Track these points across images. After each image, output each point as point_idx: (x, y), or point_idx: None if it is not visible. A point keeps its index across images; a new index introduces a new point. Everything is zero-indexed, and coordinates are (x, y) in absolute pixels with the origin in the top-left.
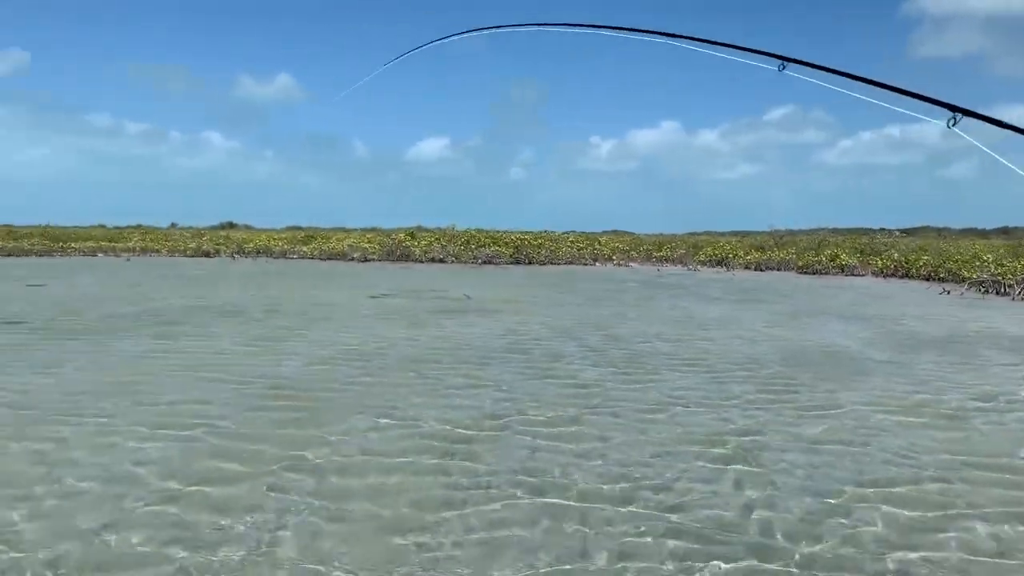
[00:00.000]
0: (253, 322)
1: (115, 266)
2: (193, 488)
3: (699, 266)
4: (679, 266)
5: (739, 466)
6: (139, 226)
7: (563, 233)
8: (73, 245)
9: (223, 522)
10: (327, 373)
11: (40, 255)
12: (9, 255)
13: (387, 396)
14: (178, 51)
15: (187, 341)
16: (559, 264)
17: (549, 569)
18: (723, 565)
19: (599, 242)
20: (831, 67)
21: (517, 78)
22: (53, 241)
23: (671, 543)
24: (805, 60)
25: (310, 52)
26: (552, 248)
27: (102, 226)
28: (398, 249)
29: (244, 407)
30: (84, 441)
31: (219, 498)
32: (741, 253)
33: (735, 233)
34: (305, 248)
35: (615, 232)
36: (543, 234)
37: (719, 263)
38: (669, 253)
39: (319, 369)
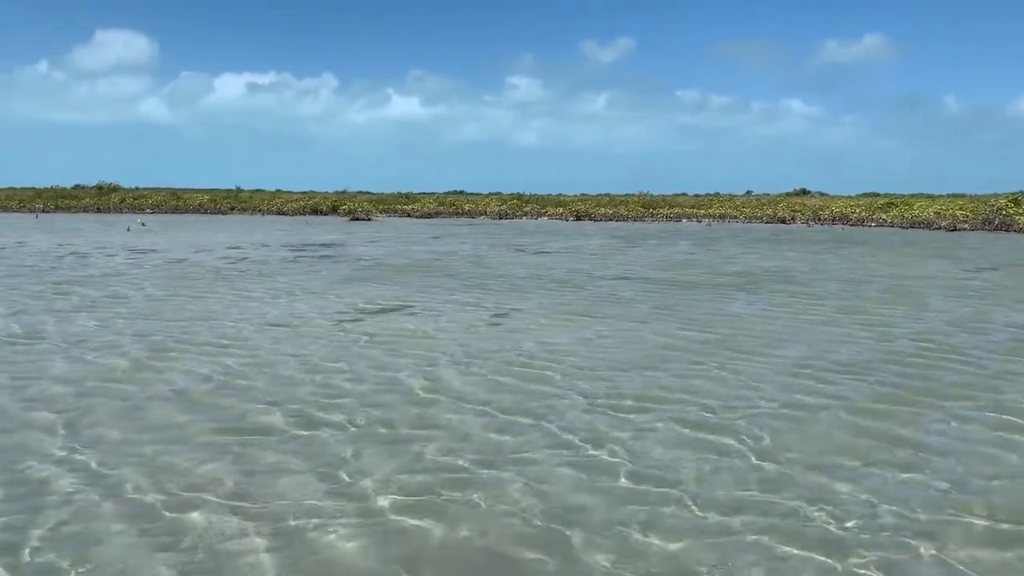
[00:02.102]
0: (849, 288)
1: (699, 232)
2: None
3: None
4: None
5: None
6: (716, 194)
7: None
8: (661, 211)
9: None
10: (936, 352)
11: (634, 220)
12: (610, 220)
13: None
14: (762, 26)
15: (789, 299)
16: None
17: None
18: None
19: None
20: None
21: None
22: (645, 208)
23: None
24: None
25: (901, 7)
26: None
27: (684, 194)
28: (997, 217)
29: (866, 368)
30: (747, 372)
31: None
32: None
33: None
34: (884, 216)
35: None
36: None
37: None
38: None
39: (926, 346)
